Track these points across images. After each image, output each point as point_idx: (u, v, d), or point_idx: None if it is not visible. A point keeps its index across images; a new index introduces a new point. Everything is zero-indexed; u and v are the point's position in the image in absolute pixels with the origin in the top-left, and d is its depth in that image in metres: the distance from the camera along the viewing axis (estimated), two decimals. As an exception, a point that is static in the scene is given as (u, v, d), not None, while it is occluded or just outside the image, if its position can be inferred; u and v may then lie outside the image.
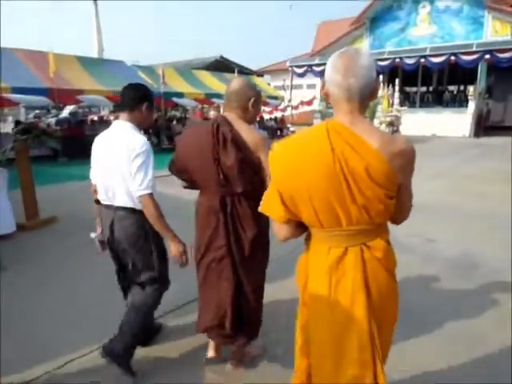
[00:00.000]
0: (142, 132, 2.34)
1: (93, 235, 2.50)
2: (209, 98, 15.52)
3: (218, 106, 23.34)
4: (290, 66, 22.10)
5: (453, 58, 17.68)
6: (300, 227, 1.53)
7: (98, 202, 2.41)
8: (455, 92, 23.11)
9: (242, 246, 2.15)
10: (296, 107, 24.30)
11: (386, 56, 19.28)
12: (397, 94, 16.19)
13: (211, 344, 2.42)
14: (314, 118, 18.10)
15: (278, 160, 1.45)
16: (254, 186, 2.06)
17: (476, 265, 3.97)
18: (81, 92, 11.34)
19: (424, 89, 22.91)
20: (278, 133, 20.11)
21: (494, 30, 19.90)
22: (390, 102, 17.77)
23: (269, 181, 1.62)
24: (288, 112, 22.38)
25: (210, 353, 2.41)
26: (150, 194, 2.16)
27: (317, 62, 21.23)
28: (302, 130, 1.55)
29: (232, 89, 2.13)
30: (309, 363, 1.60)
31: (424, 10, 21.48)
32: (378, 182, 1.31)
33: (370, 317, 1.40)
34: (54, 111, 27.52)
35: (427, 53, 18.22)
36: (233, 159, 2.02)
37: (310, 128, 1.48)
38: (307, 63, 21.62)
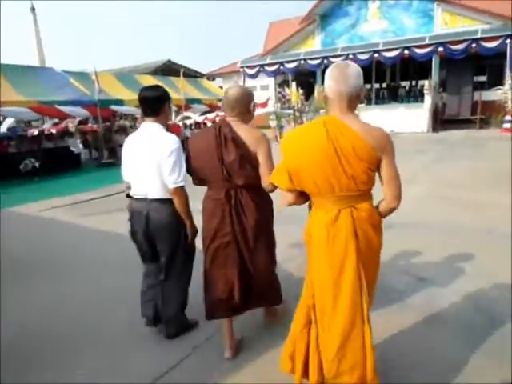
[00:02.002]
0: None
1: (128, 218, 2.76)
2: (153, 104, 14.12)
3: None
4: (242, 67, 21.05)
5: (406, 51, 17.28)
6: (301, 197, 2.03)
7: (129, 196, 2.70)
8: (407, 87, 22.91)
9: (245, 232, 2.41)
10: (250, 110, 23.30)
11: (339, 52, 18.64)
12: (353, 92, 15.50)
13: (227, 344, 2.57)
14: (269, 120, 17.04)
15: (287, 144, 1.97)
16: (254, 179, 2.35)
17: (491, 323, 2.91)
18: (-5, 104, 9.73)
19: (377, 85, 22.52)
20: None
21: (444, 23, 19.72)
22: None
23: (271, 170, 2.21)
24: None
25: (227, 353, 2.56)
26: (183, 187, 2.52)
27: (268, 61, 20.31)
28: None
29: (232, 96, 2.41)
30: (313, 302, 1.98)
31: (374, 5, 21.06)
32: (361, 158, 1.79)
33: (358, 261, 1.86)
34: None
35: (380, 47, 17.70)
36: (233, 156, 2.31)
37: (311, 122, 2.04)
38: (258, 63, 20.65)
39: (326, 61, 18.94)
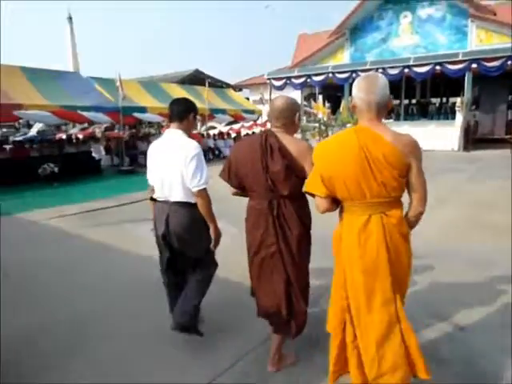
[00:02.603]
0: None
1: (151, 228, 2.87)
2: (176, 112, 13.97)
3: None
4: (268, 79, 20.91)
5: (438, 67, 16.72)
6: (334, 203, 2.09)
7: (153, 199, 2.80)
8: (437, 104, 22.25)
9: (289, 243, 2.40)
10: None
11: (368, 67, 18.23)
12: (381, 107, 15.02)
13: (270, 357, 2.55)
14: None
15: (320, 153, 2.08)
16: (298, 190, 2.37)
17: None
18: (19, 107, 9.76)
19: (407, 101, 21.94)
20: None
21: (479, 40, 19.12)
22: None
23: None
24: (268, 127, 21.12)
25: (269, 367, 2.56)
26: (205, 189, 2.63)
27: (296, 73, 20.10)
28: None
29: (278, 106, 2.41)
30: (347, 303, 2.04)
31: (405, 20, 20.65)
32: (391, 164, 1.86)
33: (390, 263, 1.91)
34: (23, 130, 26.12)
35: (411, 63, 17.21)
36: (279, 166, 2.31)
37: (342, 131, 2.13)
38: (286, 75, 20.46)
39: (354, 74, 18.55)
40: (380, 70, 17.85)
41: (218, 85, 24.99)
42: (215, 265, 2.90)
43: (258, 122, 21.93)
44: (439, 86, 21.93)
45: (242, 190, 2.56)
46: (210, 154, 15.79)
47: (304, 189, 2.16)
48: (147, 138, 14.34)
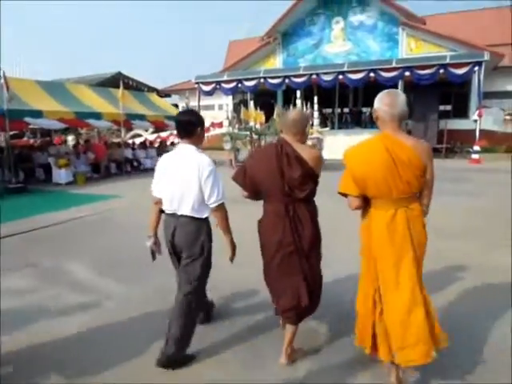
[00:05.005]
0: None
1: (148, 244, 2.91)
2: (82, 118, 11.78)
3: (89, 132, 19.75)
4: (197, 83, 19.32)
5: (372, 74, 16.15)
6: (363, 201, 2.38)
7: (161, 211, 2.86)
8: (368, 113, 21.96)
9: (303, 243, 2.58)
10: (206, 130, 21.54)
11: (301, 72, 17.28)
12: (316, 114, 13.98)
13: (283, 349, 2.70)
14: (224, 142, 15.12)
15: (351, 158, 2.36)
16: (311, 193, 2.61)
17: None
18: None
19: (339, 110, 21.34)
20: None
21: (409, 48, 19.11)
22: (310, 122, 15.57)
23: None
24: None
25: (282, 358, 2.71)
26: (223, 203, 2.73)
27: (226, 78, 18.69)
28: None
29: (293, 118, 2.63)
30: (377, 284, 2.34)
31: (338, 26, 20.21)
32: (414, 166, 2.19)
33: (413, 249, 2.24)
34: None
35: (345, 68, 16.48)
36: (298, 173, 2.50)
37: (369, 138, 2.36)
38: (215, 80, 19.00)
39: (287, 80, 17.51)
40: (314, 76, 16.99)
41: (142, 89, 22.98)
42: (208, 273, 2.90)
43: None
44: (371, 95, 21.59)
45: (256, 194, 2.71)
46: (128, 165, 13.81)
47: (338, 190, 2.41)
48: (46, 149, 12.10)
